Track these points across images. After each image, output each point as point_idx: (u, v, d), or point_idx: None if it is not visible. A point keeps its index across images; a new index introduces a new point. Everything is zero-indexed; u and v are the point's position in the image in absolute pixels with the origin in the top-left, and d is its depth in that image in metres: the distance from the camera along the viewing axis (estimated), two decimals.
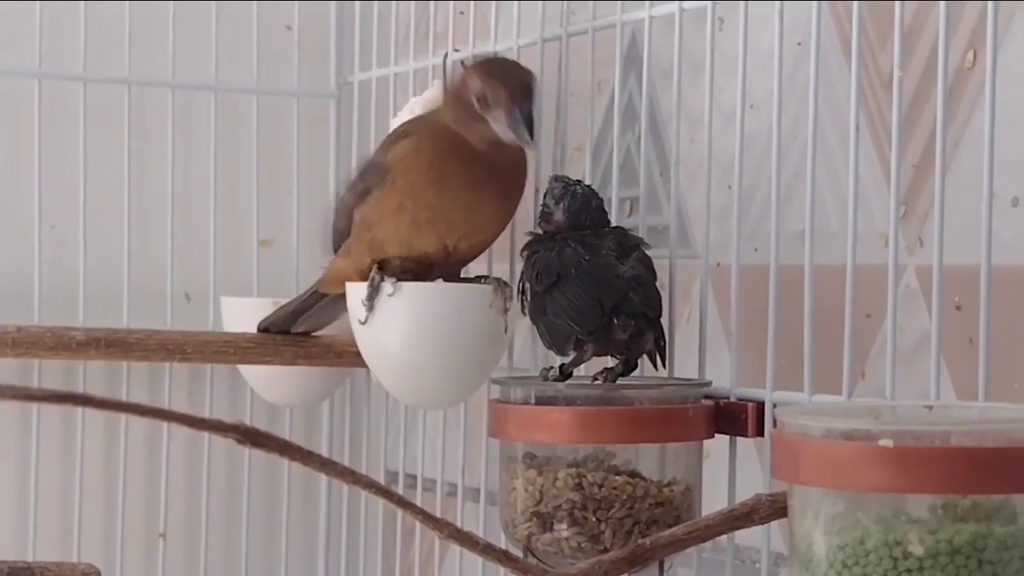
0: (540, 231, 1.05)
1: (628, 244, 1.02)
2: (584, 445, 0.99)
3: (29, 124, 1.41)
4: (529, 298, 1.03)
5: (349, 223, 1.15)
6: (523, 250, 1.05)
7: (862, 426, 0.74)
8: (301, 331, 1.28)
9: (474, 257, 1.15)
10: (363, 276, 1.12)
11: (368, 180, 1.13)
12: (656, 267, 1.03)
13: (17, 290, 1.42)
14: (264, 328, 1.28)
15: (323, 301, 1.23)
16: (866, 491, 0.72)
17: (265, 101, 1.49)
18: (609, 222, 1.05)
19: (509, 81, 1.06)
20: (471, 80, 1.08)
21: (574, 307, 0.99)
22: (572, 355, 1.01)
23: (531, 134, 1.05)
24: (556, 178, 1.06)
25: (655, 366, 1.02)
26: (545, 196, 1.06)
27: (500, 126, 1.06)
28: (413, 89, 1.35)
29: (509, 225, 1.16)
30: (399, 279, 1.11)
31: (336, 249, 1.18)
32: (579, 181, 1.06)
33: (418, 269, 1.12)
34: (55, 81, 1.43)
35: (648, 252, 1.03)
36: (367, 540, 1.46)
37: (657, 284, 1.02)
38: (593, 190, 1.05)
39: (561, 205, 1.04)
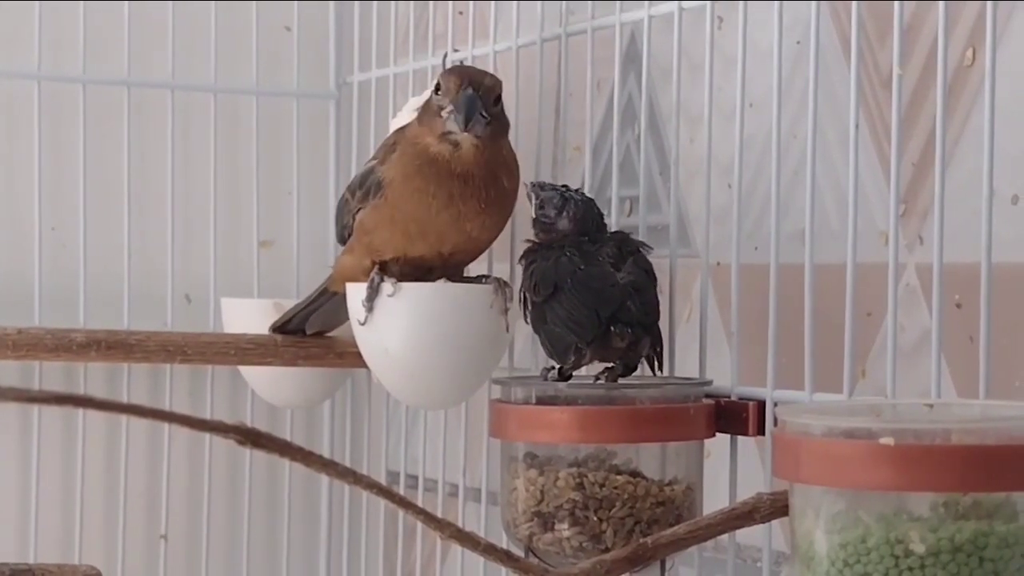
0: (537, 241, 1.05)
1: (627, 249, 1.02)
2: (585, 445, 0.99)
3: (29, 126, 1.41)
4: (530, 307, 1.03)
5: (352, 221, 1.15)
6: (521, 259, 1.05)
7: (863, 424, 0.74)
8: (314, 331, 1.28)
9: (473, 259, 1.15)
10: (366, 274, 1.13)
11: (366, 187, 1.14)
12: (656, 267, 1.03)
13: (17, 292, 1.42)
14: (278, 327, 1.28)
15: (334, 299, 1.23)
16: (867, 489, 0.72)
17: (265, 102, 1.49)
18: (606, 227, 1.05)
19: (462, 72, 1.10)
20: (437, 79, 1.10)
21: (572, 318, 0.99)
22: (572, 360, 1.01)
23: (468, 118, 1.06)
24: (541, 186, 1.06)
25: (652, 371, 1.02)
26: (542, 207, 1.05)
27: (447, 116, 1.07)
28: (413, 89, 1.36)
29: (509, 226, 1.16)
30: (400, 280, 1.11)
31: (343, 242, 1.18)
32: (566, 186, 1.06)
33: (416, 272, 1.13)
34: (54, 83, 1.43)
35: (648, 255, 1.03)
36: (369, 541, 1.46)
37: (657, 287, 1.02)
38: (590, 196, 1.05)
39: (565, 214, 1.04)
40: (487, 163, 1.10)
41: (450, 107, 1.08)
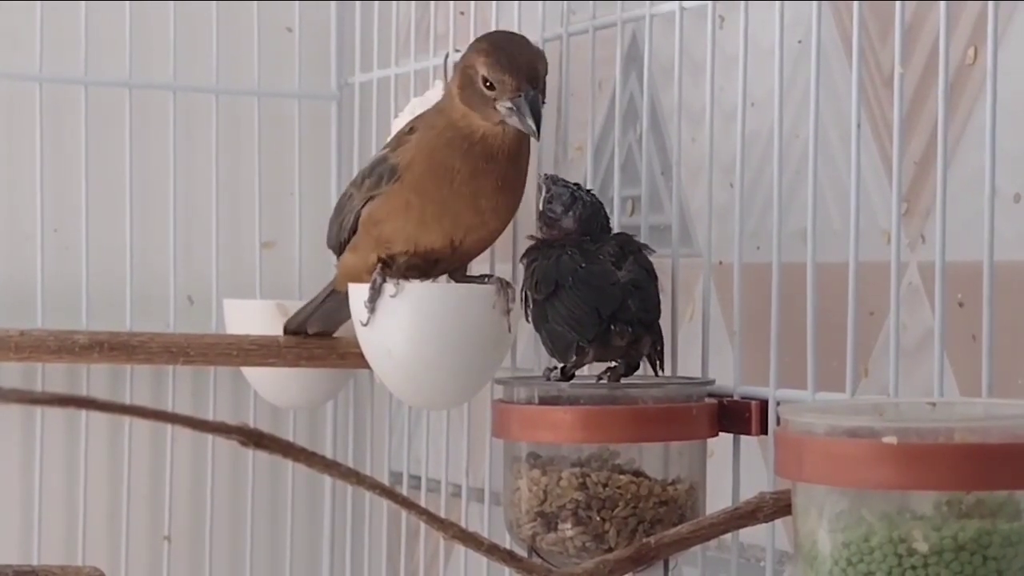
0: (540, 236, 1.05)
1: (629, 248, 1.02)
2: (588, 444, 0.98)
3: (31, 128, 1.41)
4: (531, 306, 1.03)
5: (356, 220, 1.15)
6: (522, 258, 1.05)
7: (866, 423, 0.74)
8: (316, 331, 1.28)
9: (478, 253, 1.15)
10: (371, 272, 1.13)
11: (376, 177, 1.13)
12: (658, 266, 1.03)
13: (20, 294, 1.42)
14: (291, 330, 1.28)
15: (336, 299, 1.23)
16: (870, 488, 0.72)
17: (266, 103, 1.49)
18: (610, 230, 1.05)
19: (515, 68, 1.07)
20: (477, 61, 1.08)
21: (573, 316, 0.99)
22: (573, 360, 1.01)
23: (537, 124, 1.05)
24: (554, 180, 1.06)
25: (655, 370, 1.02)
26: (550, 201, 1.05)
27: (506, 112, 1.06)
28: (414, 90, 1.36)
29: (511, 225, 1.16)
30: (405, 275, 1.11)
31: (333, 246, 1.18)
32: (578, 185, 1.05)
33: (424, 265, 1.13)
34: (56, 84, 1.43)
35: (649, 256, 1.03)
36: (372, 541, 1.46)
37: (659, 286, 1.02)
38: (599, 200, 1.05)
39: (572, 213, 1.04)
40: (515, 144, 1.10)
41: (509, 104, 1.06)
